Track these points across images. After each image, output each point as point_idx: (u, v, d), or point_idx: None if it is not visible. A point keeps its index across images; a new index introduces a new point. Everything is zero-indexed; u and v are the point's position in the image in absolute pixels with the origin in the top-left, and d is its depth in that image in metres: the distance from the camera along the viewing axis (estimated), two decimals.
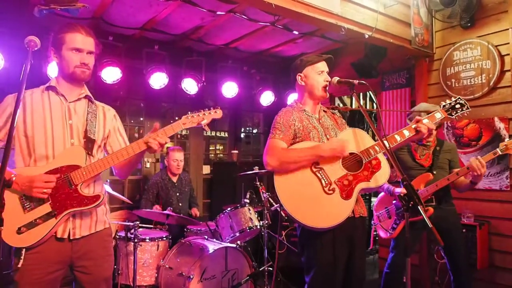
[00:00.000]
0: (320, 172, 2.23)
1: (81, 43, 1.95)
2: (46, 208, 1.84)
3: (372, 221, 3.44)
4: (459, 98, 2.50)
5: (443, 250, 3.21)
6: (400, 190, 3.02)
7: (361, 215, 2.35)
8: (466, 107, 2.47)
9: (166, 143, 2.00)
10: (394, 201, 3.21)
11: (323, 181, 2.21)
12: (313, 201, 2.18)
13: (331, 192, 2.18)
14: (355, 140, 2.33)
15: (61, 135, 1.94)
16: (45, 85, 2.02)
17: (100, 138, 2.06)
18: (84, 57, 1.96)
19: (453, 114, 2.47)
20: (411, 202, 1.85)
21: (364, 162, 2.26)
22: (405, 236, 2.00)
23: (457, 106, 2.47)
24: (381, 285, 3.20)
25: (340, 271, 2.25)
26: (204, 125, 2.09)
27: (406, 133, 2.37)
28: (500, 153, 2.93)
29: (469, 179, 3.05)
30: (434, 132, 3.18)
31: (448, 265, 3.20)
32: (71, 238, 1.91)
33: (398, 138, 2.36)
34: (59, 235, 1.89)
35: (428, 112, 2.58)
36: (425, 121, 2.38)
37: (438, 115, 2.44)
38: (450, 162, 3.26)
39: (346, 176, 2.23)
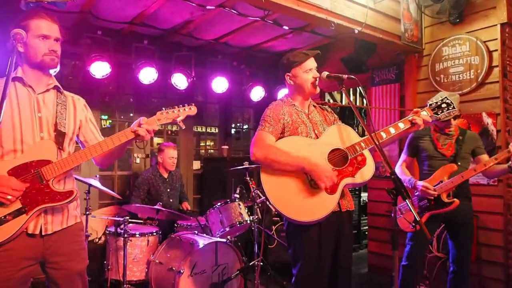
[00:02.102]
0: None
1: (47, 29, 1.87)
2: (16, 204, 1.77)
3: (392, 214, 3.31)
4: (445, 97, 2.52)
5: (452, 243, 3.17)
6: (422, 183, 3.01)
7: (348, 209, 2.38)
8: (452, 106, 2.48)
9: (154, 130, 1.98)
10: (416, 193, 3.15)
11: (308, 176, 2.22)
12: (298, 195, 2.21)
13: (316, 186, 2.20)
14: (340, 136, 2.34)
15: (30, 129, 1.86)
16: None
17: (71, 131, 2.00)
18: (52, 44, 1.88)
19: (439, 113, 2.49)
20: (399, 195, 1.87)
21: (349, 158, 2.28)
22: (393, 228, 2.01)
23: (443, 105, 2.48)
24: (399, 277, 3.15)
25: (327, 264, 2.27)
26: (179, 122, 2.07)
27: (401, 125, 2.40)
28: None
29: (506, 164, 2.98)
30: (454, 122, 3.13)
31: (451, 257, 3.18)
32: (43, 234, 1.86)
33: (392, 130, 2.37)
34: (30, 231, 1.83)
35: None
36: (423, 113, 2.40)
37: (424, 113, 2.46)
38: (474, 150, 3.18)
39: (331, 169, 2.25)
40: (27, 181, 1.80)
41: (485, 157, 3.15)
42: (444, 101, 2.49)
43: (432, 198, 3.01)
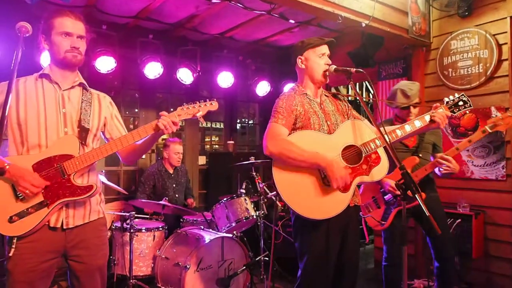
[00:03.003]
0: None
1: (70, 27, 1.91)
2: (38, 197, 1.82)
3: (360, 213, 3.18)
4: (462, 95, 2.48)
5: (428, 238, 3.08)
6: (389, 183, 2.93)
7: (356, 204, 2.35)
8: (469, 104, 2.45)
9: (176, 124, 1.98)
10: (381, 190, 3.08)
11: (322, 172, 2.19)
12: (310, 192, 2.17)
13: (329, 184, 2.16)
14: (354, 132, 2.30)
15: (55, 124, 1.90)
16: (38, 72, 1.98)
17: (95, 127, 2.03)
18: (75, 41, 1.92)
19: (455, 111, 2.45)
20: (408, 191, 1.84)
21: (363, 155, 2.24)
22: (402, 225, 1.99)
23: (460, 103, 2.45)
24: (383, 279, 3.14)
25: (333, 258, 2.25)
26: (200, 117, 2.06)
27: (418, 123, 2.36)
28: (490, 130, 2.76)
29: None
30: (414, 110, 3.04)
31: (432, 254, 3.10)
32: (64, 227, 1.89)
33: (408, 128, 2.34)
34: (52, 224, 1.87)
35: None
36: (440, 110, 2.36)
37: (441, 111, 2.40)
38: (434, 145, 3.14)
39: (345, 169, 2.21)
40: (49, 175, 1.85)
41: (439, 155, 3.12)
42: (461, 98, 2.45)
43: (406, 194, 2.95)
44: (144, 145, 2.09)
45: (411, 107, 3.02)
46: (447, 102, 2.47)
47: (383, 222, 3.07)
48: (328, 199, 2.17)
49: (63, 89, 1.97)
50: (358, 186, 2.34)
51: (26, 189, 1.78)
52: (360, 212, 3.09)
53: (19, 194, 1.81)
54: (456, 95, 2.50)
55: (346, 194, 2.19)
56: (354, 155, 2.27)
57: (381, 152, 2.29)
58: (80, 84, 2.04)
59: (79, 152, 1.91)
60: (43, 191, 1.83)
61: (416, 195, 1.80)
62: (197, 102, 2.06)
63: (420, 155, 3.04)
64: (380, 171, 2.27)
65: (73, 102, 1.99)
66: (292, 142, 2.21)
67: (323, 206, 2.16)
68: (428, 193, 2.99)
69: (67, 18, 1.91)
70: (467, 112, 2.49)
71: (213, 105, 2.09)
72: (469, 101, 2.46)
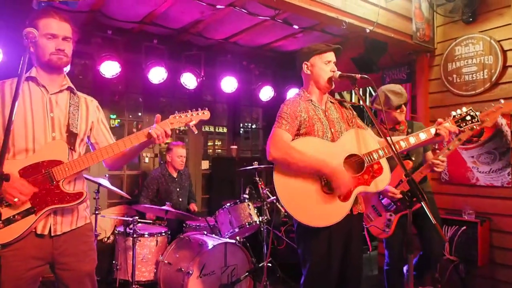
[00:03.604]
0: None
1: (55, 28, 1.85)
2: (25, 204, 1.77)
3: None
4: (470, 109, 2.43)
5: (418, 237, 3.11)
6: (389, 189, 2.91)
7: (359, 211, 2.35)
8: (476, 119, 2.40)
9: (168, 134, 1.96)
10: (380, 197, 3.06)
11: (322, 180, 2.19)
12: (310, 199, 2.17)
13: (329, 192, 2.16)
14: (357, 141, 2.29)
15: (42, 129, 1.86)
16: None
17: (82, 132, 1.99)
18: (60, 43, 1.86)
19: (462, 125, 2.41)
20: (414, 198, 1.83)
21: (366, 165, 2.23)
22: (407, 233, 1.97)
23: (468, 117, 2.41)
24: (385, 284, 3.15)
25: (336, 265, 2.25)
26: (192, 126, 2.05)
27: (423, 136, 2.34)
28: (477, 128, 2.61)
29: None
30: (401, 116, 3.08)
31: (422, 252, 3.14)
32: (52, 234, 1.86)
33: (412, 140, 2.32)
34: (39, 231, 1.83)
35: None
36: (447, 124, 2.33)
37: (447, 125, 2.37)
38: (424, 147, 3.12)
39: (349, 175, 2.19)
40: (37, 181, 1.80)
41: (430, 154, 3.15)
42: (469, 113, 2.41)
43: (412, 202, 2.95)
44: (132, 152, 2.06)
45: (397, 112, 3.05)
46: (454, 116, 2.42)
47: (387, 230, 3.06)
48: (328, 207, 2.17)
49: (50, 92, 1.93)
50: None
51: (14, 197, 1.72)
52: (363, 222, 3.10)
53: (4, 200, 1.75)
54: (464, 109, 2.44)
55: (346, 203, 2.19)
56: (357, 164, 2.26)
57: (384, 162, 2.28)
58: (68, 88, 2.00)
59: (68, 158, 1.87)
60: (30, 197, 1.78)
61: (422, 203, 1.78)
62: (190, 111, 2.06)
63: (413, 158, 3.05)
64: (382, 182, 2.26)
65: (61, 106, 1.94)
66: (295, 148, 2.20)
67: (322, 214, 2.16)
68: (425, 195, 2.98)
69: (52, 19, 1.86)
70: (475, 127, 2.43)
71: (205, 114, 2.08)
72: (477, 116, 2.41)
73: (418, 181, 2.94)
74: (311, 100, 2.39)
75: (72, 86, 2.02)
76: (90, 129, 2.06)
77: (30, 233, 1.80)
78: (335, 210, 2.16)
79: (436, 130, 2.32)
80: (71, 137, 1.92)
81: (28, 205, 1.78)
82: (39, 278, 1.92)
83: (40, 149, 1.84)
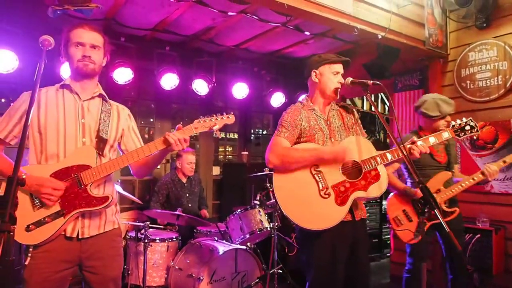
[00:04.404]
0: (319, 175, 2.23)
1: (83, 37, 1.94)
2: (55, 206, 1.84)
3: (389, 226, 3.15)
4: (470, 119, 2.45)
5: (444, 250, 3.08)
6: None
7: (361, 217, 2.37)
8: (476, 129, 2.41)
9: (187, 141, 1.96)
10: (413, 199, 3.01)
11: (320, 185, 2.21)
12: (307, 203, 2.20)
13: (326, 196, 2.19)
14: (357, 148, 2.31)
15: (73, 134, 1.93)
16: (60, 83, 2.02)
17: (112, 138, 2.05)
18: (86, 50, 1.94)
19: (461, 135, 2.42)
20: (428, 206, 1.80)
21: (363, 171, 2.24)
22: (425, 241, 1.94)
23: (467, 127, 2.41)
24: None
25: (341, 271, 2.24)
26: (216, 130, 2.05)
27: (389, 156, 2.27)
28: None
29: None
30: (443, 122, 3.03)
31: (447, 265, 3.09)
32: (79, 237, 1.90)
33: (389, 156, 2.26)
34: (68, 234, 1.88)
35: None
36: (419, 143, 2.27)
37: (446, 135, 2.40)
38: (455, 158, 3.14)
39: (343, 183, 2.23)
40: (67, 185, 1.86)
41: (457, 167, 3.16)
42: (468, 123, 2.42)
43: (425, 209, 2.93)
44: (154, 159, 2.10)
45: (439, 119, 3.02)
46: (453, 126, 2.44)
47: (418, 235, 3.00)
48: (324, 211, 2.18)
49: (83, 99, 2.00)
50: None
51: (50, 195, 1.80)
52: (390, 225, 3.08)
53: (36, 203, 1.83)
54: (464, 119, 2.46)
55: (342, 207, 2.20)
56: (355, 171, 2.27)
57: (381, 169, 2.28)
58: (100, 95, 2.07)
59: (96, 163, 1.92)
60: (60, 201, 1.84)
61: (436, 211, 1.76)
62: (214, 115, 2.05)
63: (453, 170, 3.04)
64: (378, 188, 2.25)
65: (93, 113, 2.01)
66: (292, 147, 2.26)
67: (319, 218, 2.18)
68: (451, 207, 2.97)
69: (81, 29, 1.95)
70: (475, 137, 2.43)
71: (230, 119, 2.08)
72: (476, 127, 2.42)
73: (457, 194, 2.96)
74: (314, 109, 2.41)
75: (104, 94, 2.09)
76: (121, 136, 2.11)
77: (59, 236, 1.86)
78: (332, 213, 2.18)
79: (410, 148, 2.24)
80: (101, 142, 1.97)
81: (58, 208, 1.84)
82: (68, 282, 1.96)
83: (70, 154, 1.91)
